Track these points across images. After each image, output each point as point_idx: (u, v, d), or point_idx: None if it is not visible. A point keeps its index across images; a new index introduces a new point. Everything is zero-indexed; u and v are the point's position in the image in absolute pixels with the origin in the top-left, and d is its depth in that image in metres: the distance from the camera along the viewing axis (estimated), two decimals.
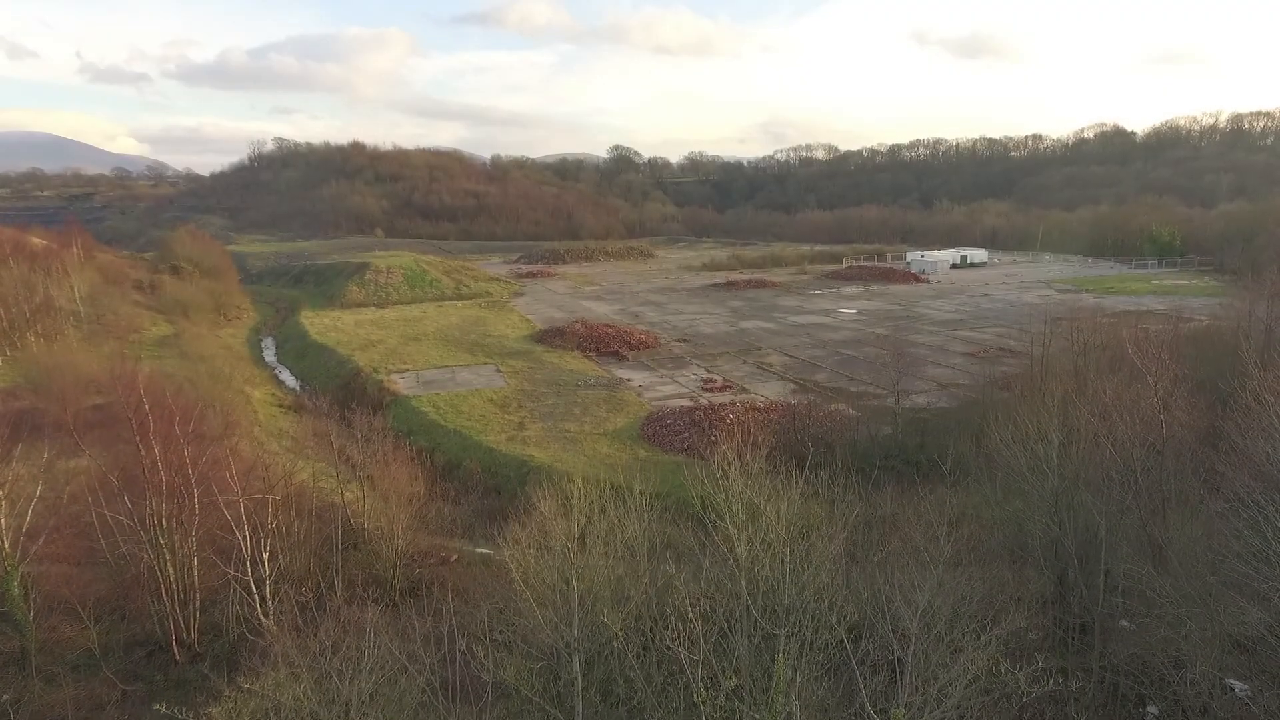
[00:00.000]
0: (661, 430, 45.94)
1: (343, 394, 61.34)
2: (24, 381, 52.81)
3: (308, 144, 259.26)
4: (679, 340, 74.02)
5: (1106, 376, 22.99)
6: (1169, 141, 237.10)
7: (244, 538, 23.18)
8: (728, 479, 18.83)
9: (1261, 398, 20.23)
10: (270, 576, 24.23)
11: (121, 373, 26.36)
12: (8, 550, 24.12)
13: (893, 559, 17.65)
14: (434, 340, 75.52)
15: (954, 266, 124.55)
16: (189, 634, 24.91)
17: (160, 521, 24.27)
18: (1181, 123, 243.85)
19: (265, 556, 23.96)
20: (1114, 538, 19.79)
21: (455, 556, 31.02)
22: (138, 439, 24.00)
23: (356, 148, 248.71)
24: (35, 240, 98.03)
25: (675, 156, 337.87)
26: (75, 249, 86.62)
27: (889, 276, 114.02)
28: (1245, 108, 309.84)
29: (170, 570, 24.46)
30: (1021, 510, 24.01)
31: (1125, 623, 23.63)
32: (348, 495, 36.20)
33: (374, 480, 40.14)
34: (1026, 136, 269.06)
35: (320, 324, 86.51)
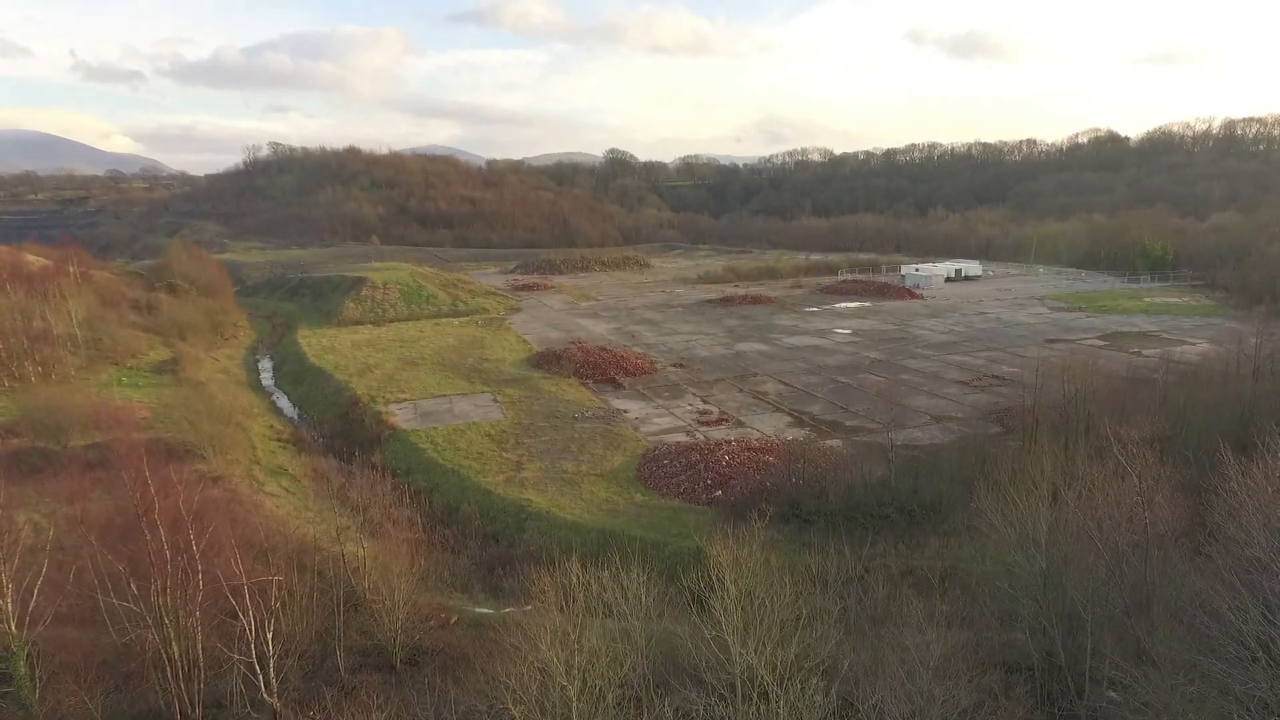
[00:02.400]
0: (658, 472, 46.36)
1: (341, 425, 61.81)
2: (22, 416, 52.86)
3: (303, 149, 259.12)
4: (675, 365, 74.44)
5: (1094, 464, 23.47)
6: (1162, 147, 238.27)
7: (249, 624, 23.54)
8: (724, 584, 19.26)
9: (1240, 492, 20.76)
10: (274, 655, 24.59)
11: (129, 458, 26.49)
12: (14, 631, 24.47)
13: (887, 679, 18.02)
14: (431, 365, 75.81)
15: (948, 280, 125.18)
16: (193, 709, 25.24)
17: (165, 600, 24.61)
18: (1175, 128, 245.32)
19: (270, 636, 24.33)
20: (1099, 634, 20.29)
21: (455, 618, 31.39)
22: (143, 521, 24.33)
23: (352, 153, 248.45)
24: (31, 259, 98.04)
25: (671, 155, 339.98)
26: (72, 270, 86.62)
27: (884, 292, 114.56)
28: (1238, 113, 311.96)
29: (175, 647, 24.81)
30: (1010, 590, 24.46)
31: (1113, 693, 24.18)
32: (349, 546, 36.64)
33: (374, 527, 40.62)
34: (1021, 141, 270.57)
35: (317, 344, 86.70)
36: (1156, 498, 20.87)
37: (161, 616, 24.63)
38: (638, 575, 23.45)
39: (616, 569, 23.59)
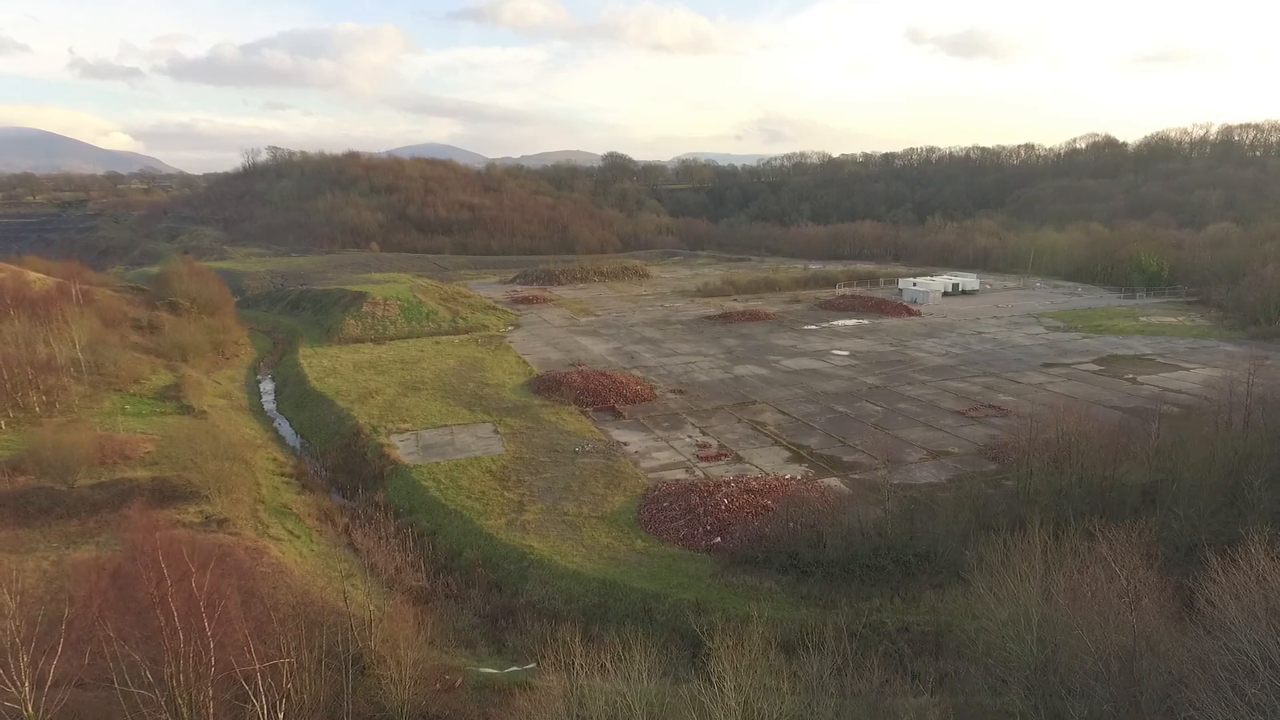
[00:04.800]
0: (658, 515, 46.98)
1: (344, 456, 62.38)
2: (28, 454, 53.27)
3: (302, 153, 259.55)
4: (674, 391, 75.04)
5: (1085, 557, 24.11)
6: (1160, 153, 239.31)
7: (260, 706, 24.15)
8: (724, 692, 19.87)
9: (1224, 594, 21.41)
10: None
11: (143, 543, 27.01)
12: (30, 713, 25.08)
13: None
14: (432, 390, 76.34)
15: (946, 295, 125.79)
16: None
17: (179, 681, 25.20)
18: (1172, 134, 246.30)
19: (280, 717, 24.94)
20: None
21: (461, 679, 31.99)
22: (157, 606, 24.90)
23: (351, 157, 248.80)
24: (34, 278, 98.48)
25: (671, 154, 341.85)
26: (75, 292, 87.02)
27: (881, 308, 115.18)
28: (1235, 119, 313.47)
29: None
30: (1003, 673, 25.07)
31: None
32: (353, 592, 37.26)
33: (382, 582, 41.26)
34: (1019, 146, 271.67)
35: (318, 366, 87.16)
36: (1144, 600, 21.53)
37: (175, 698, 25.25)
38: (641, 658, 24.12)
39: (618, 654, 24.22)
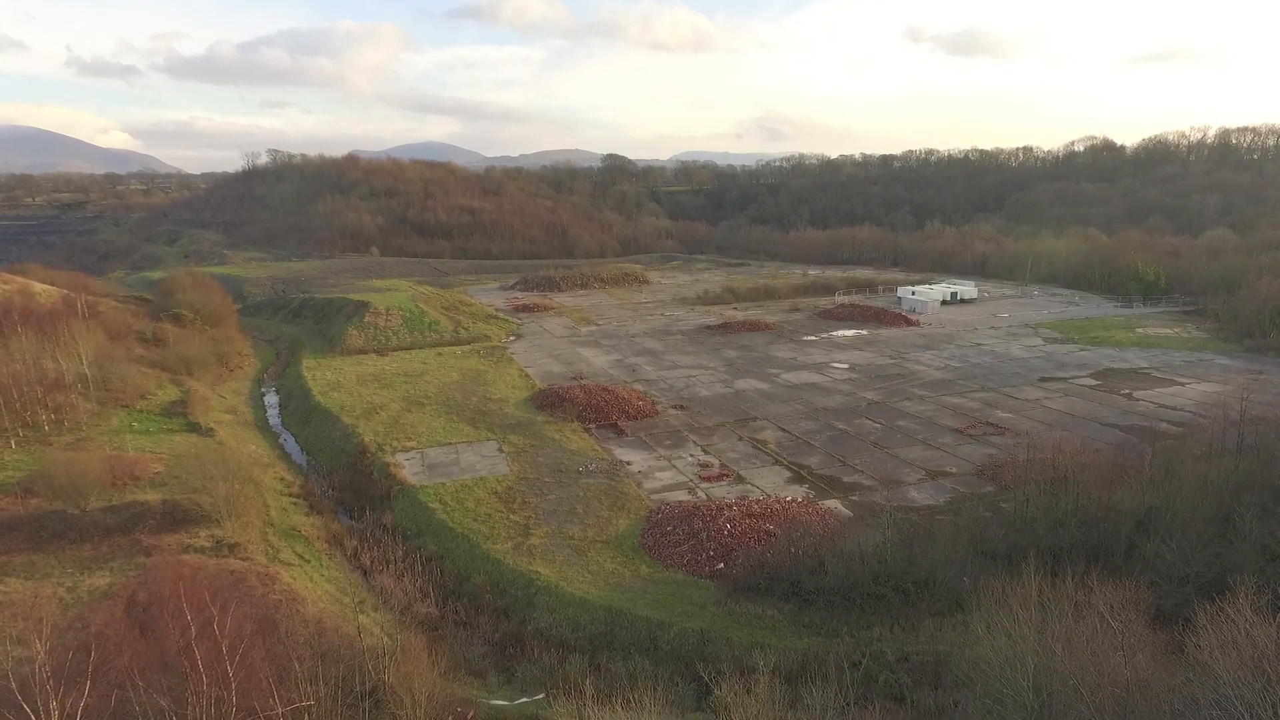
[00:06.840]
0: (662, 540, 47.82)
1: (350, 475, 63.14)
2: (39, 476, 53.94)
3: (302, 156, 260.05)
4: (676, 407, 75.85)
5: (1081, 606, 24.96)
6: (1158, 156, 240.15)
7: None
8: None
9: (1212, 647, 22.24)
10: None
11: (169, 592, 27.79)
12: None
13: None
14: (436, 405, 77.08)
15: (944, 303, 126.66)
16: None
17: None
18: (1170, 137, 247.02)
19: None
20: None
21: (472, 713, 32.77)
22: (182, 652, 25.70)
23: (351, 160, 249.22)
24: (40, 289, 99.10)
25: (671, 153, 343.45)
26: (80, 306, 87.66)
27: (880, 318, 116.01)
28: (1233, 122, 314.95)
29: None
30: (1002, 710, 25.93)
31: None
32: (368, 624, 38.14)
33: (394, 612, 42.10)
34: (1017, 149, 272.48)
35: (322, 379, 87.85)
36: (1138, 655, 22.38)
37: None
38: (650, 701, 25.01)
39: (630, 698, 25.12)
